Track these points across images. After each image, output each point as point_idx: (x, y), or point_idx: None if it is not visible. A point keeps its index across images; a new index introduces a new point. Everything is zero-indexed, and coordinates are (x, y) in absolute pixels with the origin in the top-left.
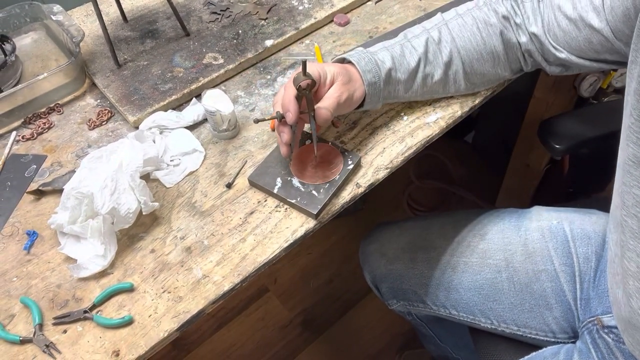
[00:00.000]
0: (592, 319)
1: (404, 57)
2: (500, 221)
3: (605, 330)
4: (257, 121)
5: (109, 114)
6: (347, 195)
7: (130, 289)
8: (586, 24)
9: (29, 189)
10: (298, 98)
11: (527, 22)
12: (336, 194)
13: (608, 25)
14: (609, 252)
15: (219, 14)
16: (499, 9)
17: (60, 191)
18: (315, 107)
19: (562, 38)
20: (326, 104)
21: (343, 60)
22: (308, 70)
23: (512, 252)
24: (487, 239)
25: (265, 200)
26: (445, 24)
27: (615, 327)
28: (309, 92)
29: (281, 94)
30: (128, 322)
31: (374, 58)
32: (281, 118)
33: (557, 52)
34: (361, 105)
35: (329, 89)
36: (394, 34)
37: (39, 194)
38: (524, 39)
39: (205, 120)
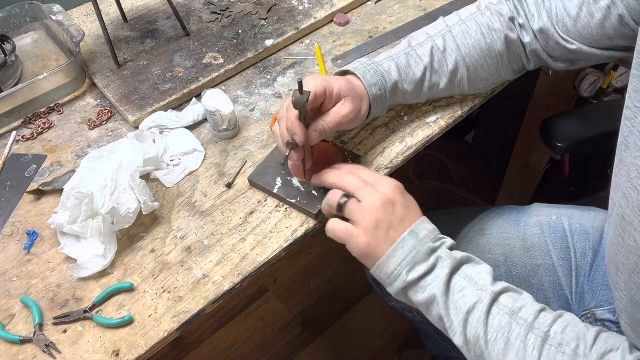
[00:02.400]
0: (585, 312)
1: (409, 68)
2: (500, 217)
3: (598, 324)
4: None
5: (109, 113)
6: None
7: (130, 289)
8: (599, 7)
9: (29, 189)
10: (300, 118)
11: (532, 20)
12: None
13: (622, 2)
14: (605, 235)
15: (219, 14)
16: (503, 11)
17: (60, 191)
18: (316, 123)
19: (573, 27)
20: (328, 121)
21: (346, 72)
22: (312, 84)
23: (511, 247)
24: (487, 235)
25: (265, 200)
26: (450, 31)
27: (608, 321)
28: (303, 106)
29: (283, 114)
30: (128, 322)
31: (380, 70)
32: (294, 147)
33: (568, 44)
34: (367, 116)
35: (335, 102)
36: (394, 34)
37: (39, 193)
38: (527, 39)
39: (205, 120)
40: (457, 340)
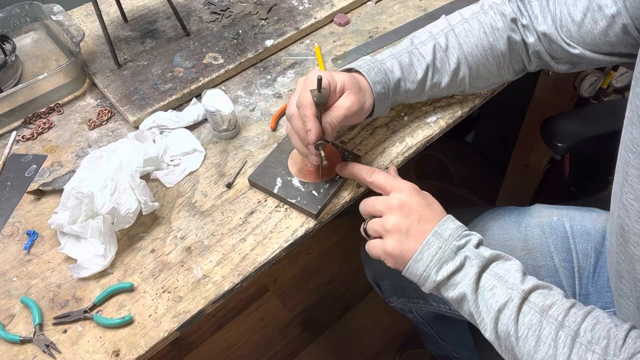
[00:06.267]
0: None
1: (412, 66)
2: (501, 218)
3: None
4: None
5: (109, 113)
6: (347, 195)
7: (130, 289)
8: (604, 15)
9: (29, 189)
10: (318, 115)
11: (536, 22)
12: (336, 194)
13: (627, 12)
14: (607, 243)
15: (219, 14)
16: (506, 11)
17: (60, 191)
18: (324, 116)
19: (577, 33)
20: (334, 116)
21: (350, 70)
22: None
23: (512, 248)
24: (488, 235)
25: (265, 200)
26: (452, 30)
27: None
28: (325, 103)
29: (293, 108)
30: (128, 322)
31: (383, 68)
32: (324, 146)
33: (571, 49)
34: (370, 115)
35: (339, 97)
36: (394, 34)
37: (39, 193)
38: (531, 39)
39: (205, 120)
40: (488, 335)
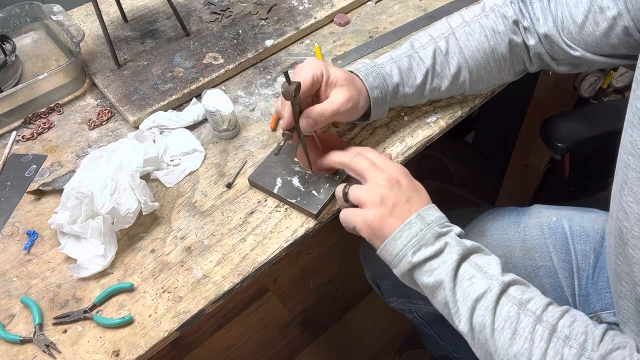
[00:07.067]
0: (590, 315)
1: (411, 71)
2: (500, 218)
3: None
4: (277, 153)
5: (109, 113)
6: None
7: (130, 289)
8: (605, 17)
9: (29, 189)
10: (293, 105)
11: (537, 24)
12: None
13: (629, 14)
14: (606, 244)
15: (219, 14)
16: (507, 13)
17: (60, 191)
18: (308, 110)
19: (578, 35)
20: (322, 108)
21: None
22: (310, 67)
23: (511, 248)
24: (487, 236)
25: (265, 200)
26: (453, 33)
27: (614, 324)
28: (297, 95)
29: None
30: (128, 322)
31: (382, 72)
32: (289, 137)
33: (572, 50)
34: (367, 118)
35: (331, 90)
36: (394, 34)
37: (39, 193)
38: (532, 41)
39: (205, 120)
40: (462, 327)
